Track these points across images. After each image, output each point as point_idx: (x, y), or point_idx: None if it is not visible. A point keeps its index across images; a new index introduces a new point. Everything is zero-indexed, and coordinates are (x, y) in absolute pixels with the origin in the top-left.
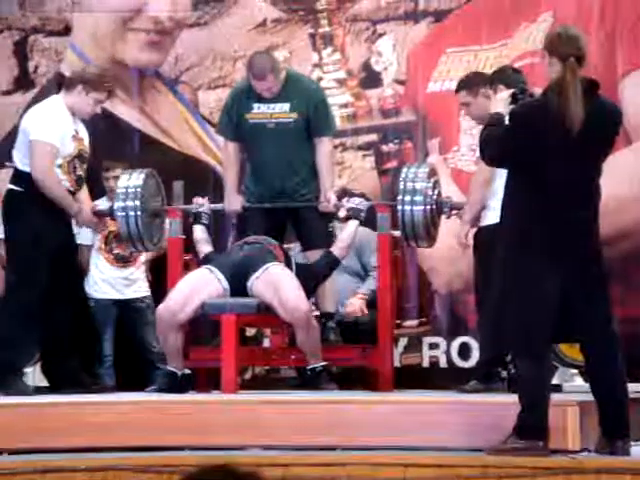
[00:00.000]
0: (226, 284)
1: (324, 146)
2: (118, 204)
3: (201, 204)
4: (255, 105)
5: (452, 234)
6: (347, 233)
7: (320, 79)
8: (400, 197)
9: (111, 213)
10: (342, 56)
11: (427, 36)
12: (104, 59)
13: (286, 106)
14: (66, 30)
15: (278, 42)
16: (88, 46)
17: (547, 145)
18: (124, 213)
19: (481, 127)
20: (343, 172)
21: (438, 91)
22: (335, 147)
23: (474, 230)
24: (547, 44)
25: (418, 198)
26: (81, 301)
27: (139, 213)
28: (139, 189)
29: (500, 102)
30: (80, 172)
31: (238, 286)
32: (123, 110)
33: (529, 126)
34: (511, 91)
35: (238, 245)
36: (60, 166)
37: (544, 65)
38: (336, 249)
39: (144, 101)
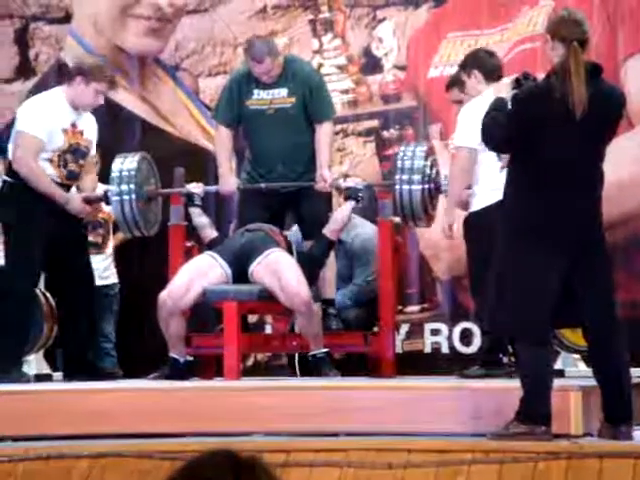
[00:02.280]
0: (229, 270)
1: (324, 128)
2: (112, 188)
3: (194, 186)
4: (255, 91)
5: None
6: (341, 215)
7: (321, 65)
8: (397, 176)
9: (103, 199)
10: (342, 42)
11: (427, 21)
12: (104, 46)
13: (284, 91)
14: (67, 17)
15: (278, 28)
16: (89, 33)
17: (550, 130)
18: (119, 197)
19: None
20: (344, 158)
21: (439, 76)
22: (336, 133)
23: (462, 217)
24: (550, 27)
25: (416, 177)
26: (91, 290)
27: (134, 197)
28: (133, 172)
29: (503, 87)
30: (72, 166)
31: (240, 273)
32: (124, 97)
33: (532, 111)
34: (514, 76)
35: (240, 232)
36: (50, 160)
37: (545, 49)
38: (328, 231)
39: (145, 88)
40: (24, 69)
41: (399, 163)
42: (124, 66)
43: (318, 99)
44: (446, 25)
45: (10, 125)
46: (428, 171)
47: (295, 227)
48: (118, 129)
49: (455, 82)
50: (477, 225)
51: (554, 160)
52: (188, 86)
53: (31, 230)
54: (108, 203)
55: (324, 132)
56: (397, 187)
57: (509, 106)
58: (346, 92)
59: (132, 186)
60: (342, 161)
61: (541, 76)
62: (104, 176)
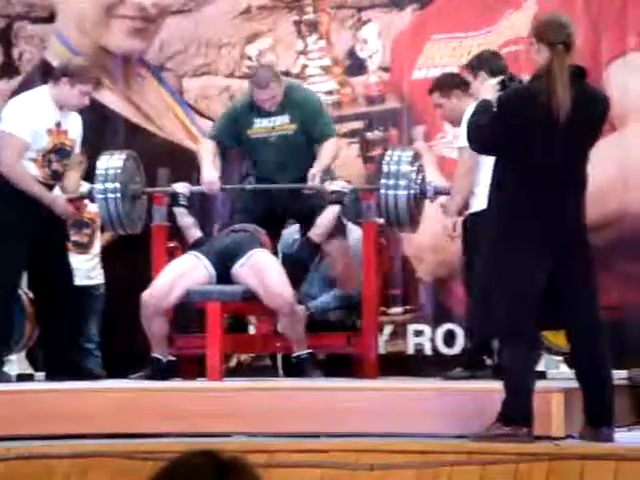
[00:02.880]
0: (212, 270)
1: (326, 143)
2: (98, 186)
3: (180, 186)
4: (256, 120)
5: (437, 221)
6: (326, 218)
7: (305, 66)
8: (383, 181)
9: (88, 196)
10: (327, 43)
11: (412, 23)
12: (89, 46)
13: (286, 118)
14: (51, 17)
15: (263, 29)
16: (73, 33)
17: (534, 132)
18: (104, 195)
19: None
20: None
21: (423, 78)
22: None
23: (461, 218)
24: (535, 31)
25: (402, 182)
26: (71, 289)
27: (119, 195)
28: (119, 171)
29: (488, 89)
30: (56, 166)
31: (223, 273)
32: (108, 97)
33: (516, 113)
34: (500, 78)
35: (225, 232)
36: (34, 160)
37: (529, 52)
38: (313, 234)
39: (129, 88)
40: (8, 68)
41: (385, 168)
42: (108, 66)
43: (318, 123)
44: (430, 27)
45: None
46: (414, 176)
47: (291, 228)
48: (102, 129)
49: (437, 86)
50: (477, 226)
51: (538, 162)
52: (172, 86)
53: (13, 229)
54: (93, 201)
55: (325, 146)
56: (382, 192)
57: (494, 108)
58: (330, 93)
59: (117, 184)
60: None
61: (526, 78)
62: (89, 175)
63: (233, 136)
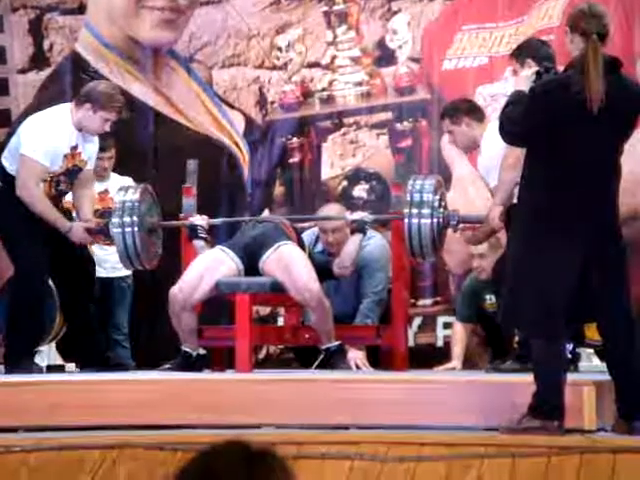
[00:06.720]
0: (240, 263)
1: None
2: (115, 219)
3: (198, 219)
4: None
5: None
6: (350, 250)
7: (334, 57)
8: (407, 210)
9: (105, 230)
10: (357, 34)
11: (442, 13)
12: (118, 37)
13: None
14: (81, 8)
15: (292, 20)
16: (103, 24)
17: (566, 123)
18: (121, 229)
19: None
20: (357, 151)
21: (453, 69)
22: (349, 125)
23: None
24: (570, 20)
25: (425, 211)
26: (92, 279)
27: (136, 229)
28: (136, 204)
29: (523, 80)
30: (63, 186)
31: (250, 265)
32: (137, 88)
33: (548, 104)
34: (535, 69)
35: (251, 224)
36: (44, 180)
37: (560, 42)
38: (337, 268)
39: (158, 79)
40: (38, 59)
41: (408, 196)
42: (137, 57)
43: None
44: (461, 17)
45: (24, 114)
46: (437, 204)
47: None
48: (131, 120)
49: (447, 113)
50: None
51: (570, 154)
52: (202, 77)
53: (31, 227)
54: (108, 234)
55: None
56: (406, 221)
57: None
58: (359, 84)
59: (134, 218)
60: (355, 153)
61: (561, 69)
62: (118, 169)
63: None
